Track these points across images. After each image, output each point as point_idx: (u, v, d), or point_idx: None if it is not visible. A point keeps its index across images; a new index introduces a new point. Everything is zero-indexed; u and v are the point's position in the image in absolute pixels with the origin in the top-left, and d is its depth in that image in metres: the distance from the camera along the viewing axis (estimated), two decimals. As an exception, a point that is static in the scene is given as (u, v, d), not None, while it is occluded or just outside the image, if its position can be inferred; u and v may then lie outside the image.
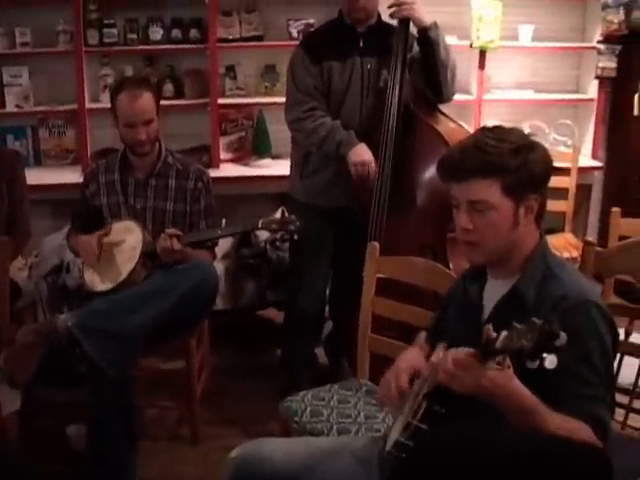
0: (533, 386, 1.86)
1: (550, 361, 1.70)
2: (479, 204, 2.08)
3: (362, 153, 3.53)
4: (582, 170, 5.11)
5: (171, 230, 3.39)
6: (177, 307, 3.23)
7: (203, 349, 3.88)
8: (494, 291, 2.19)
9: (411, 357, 2.33)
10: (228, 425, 3.84)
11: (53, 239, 4.35)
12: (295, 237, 3.36)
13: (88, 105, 4.86)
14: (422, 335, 2.49)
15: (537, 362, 1.71)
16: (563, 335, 1.69)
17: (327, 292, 4.14)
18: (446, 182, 2.17)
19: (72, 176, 4.75)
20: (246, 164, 5.06)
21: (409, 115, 3.58)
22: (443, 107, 3.75)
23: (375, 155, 3.55)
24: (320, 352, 4.30)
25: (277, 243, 4.39)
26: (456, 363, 1.89)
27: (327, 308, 4.21)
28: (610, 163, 5.46)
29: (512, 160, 2.05)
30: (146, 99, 3.45)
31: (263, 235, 4.45)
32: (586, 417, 1.90)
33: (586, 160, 5.35)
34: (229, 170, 4.99)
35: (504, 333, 1.77)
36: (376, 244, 3.06)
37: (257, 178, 4.91)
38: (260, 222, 3.36)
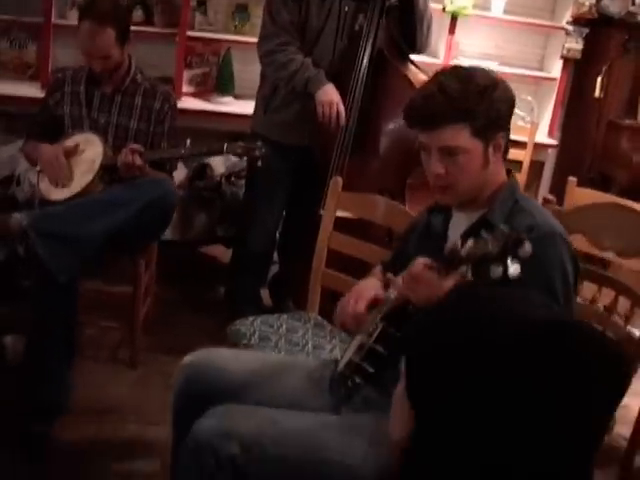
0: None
1: (514, 269, 1.73)
2: (450, 149, 2.10)
3: (330, 93, 3.53)
4: (537, 146, 5.17)
5: (134, 145, 3.35)
6: (134, 219, 3.20)
7: (150, 274, 3.85)
8: (460, 223, 2.22)
9: (371, 285, 2.35)
10: (168, 353, 3.78)
11: (5, 150, 4.28)
12: (259, 164, 3.34)
13: (54, 21, 4.74)
14: (378, 267, 2.52)
15: (501, 268, 1.74)
16: (528, 245, 1.73)
17: (277, 233, 4.15)
18: (414, 129, 2.18)
19: (29, 91, 4.64)
20: (207, 100, 5.00)
21: (381, 60, 3.60)
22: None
23: (343, 98, 3.55)
24: (264, 294, 4.30)
25: (232, 179, 4.38)
26: (418, 272, 1.92)
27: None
28: (565, 143, 5.55)
29: (479, 103, 2.07)
30: (106, 37, 3.36)
31: (219, 169, 4.42)
32: None
33: (542, 137, 5.41)
34: (190, 103, 4.91)
35: (470, 241, 1.80)
36: (339, 179, 3.07)
37: (217, 114, 4.85)
38: (225, 145, 3.32)
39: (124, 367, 3.70)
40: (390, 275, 2.19)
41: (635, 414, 3.20)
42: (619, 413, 3.48)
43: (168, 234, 4.25)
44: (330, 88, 3.53)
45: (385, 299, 2.18)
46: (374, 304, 2.23)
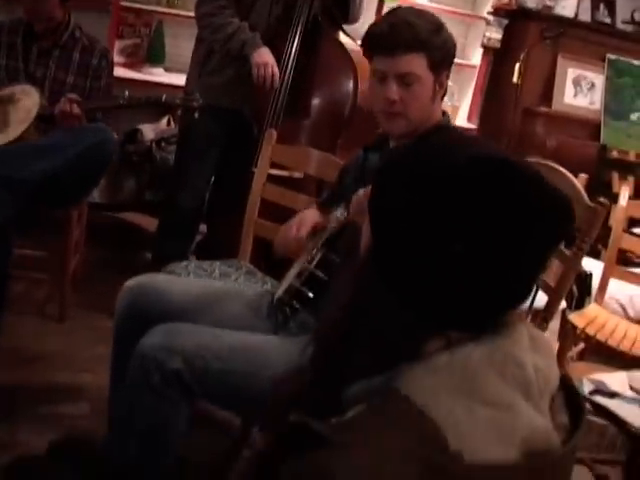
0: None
1: None
2: (407, 77, 2.23)
3: (265, 55, 3.62)
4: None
5: (72, 95, 3.39)
6: (72, 165, 3.22)
7: (80, 230, 3.87)
8: (397, 157, 2.33)
9: (312, 213, 2.46)
10: (96, 309, 3.83)
11: None
12: (196, 115, 3.41)
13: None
14: (313, 204, 2.62)
15: None
16: None
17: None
18: (373, 55, 2.29)
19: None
20: (139, 70, 5.04)
21: (316, 26, 3.73)
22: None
23: (278, 61, 3.65)
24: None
25: (162, 144, 4.44)
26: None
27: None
28: (483, 127, 5.76)
29: (436, 38, 2.21)
30: (51, 2, 3.46)
31: (149, 135, 4.48)
32: None
33: (462, 122, 5.62)
34: (121, 72, 4.92)
35: None
36: (274, 131, 3.17)
37: (148, 83, 4.87)
38: (164, 96, 3.40)
39: (52, 321, 3.72)
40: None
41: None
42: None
43: (96, 197, 4.29)
44: (265, 51, 3.63)
45: (327, 227, 2.29)
46: (315, 231, 2.35)
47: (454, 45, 2.30)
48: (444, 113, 2.39)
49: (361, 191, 2.14)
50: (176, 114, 4.42)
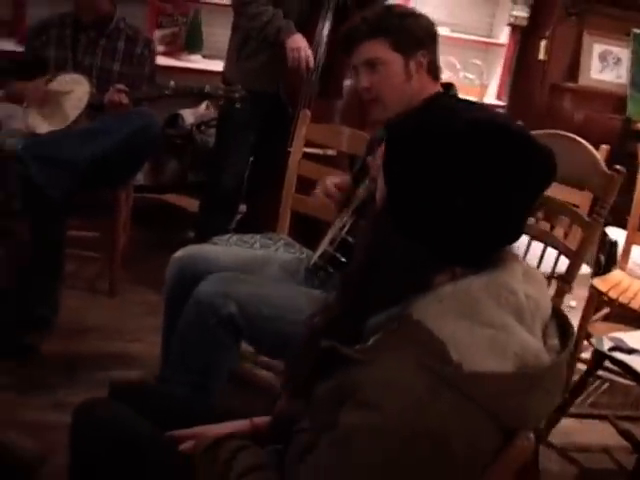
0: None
1: None
2: (372, 61, 2.38)
3: (299, 41, 3.82)
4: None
5: (120, 85, 3.59)
6: (120, 147, 3.43)
7: (127, 209, 4.08)
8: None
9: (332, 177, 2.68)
10: (145, 285, 4.06)
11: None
12: (238, 105, 3.62)
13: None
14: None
15: None
16: None
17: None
18: (348, 56, 2.46)
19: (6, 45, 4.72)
20: (178, 58, 5.22)
21: (345, 9, 3.91)
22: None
23: (310, 45, 3.85)
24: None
25: (202, 127, 4.64)
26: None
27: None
28: (512, 104, 5.90)
29: (392, 20, 2.36)
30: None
31: (189, 119, 4.69)
32: None
33: (491, 99, 5.77)
34: (160, 61, 5.09)
35: None
36: (308, 112, 3.36)
37: (187, 70, 5.06)
38: (207, 87, 3.60)
39: (103, 296, 3.96)
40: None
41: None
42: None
43: (140, 179, 4.51)
44: (299, 37, 3.82)
45: (356, 195, 2.48)
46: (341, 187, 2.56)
47: (424, 27, 2.40)
48: (450, 86, 2.51)
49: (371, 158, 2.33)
50: (215, 99, 4.61)
